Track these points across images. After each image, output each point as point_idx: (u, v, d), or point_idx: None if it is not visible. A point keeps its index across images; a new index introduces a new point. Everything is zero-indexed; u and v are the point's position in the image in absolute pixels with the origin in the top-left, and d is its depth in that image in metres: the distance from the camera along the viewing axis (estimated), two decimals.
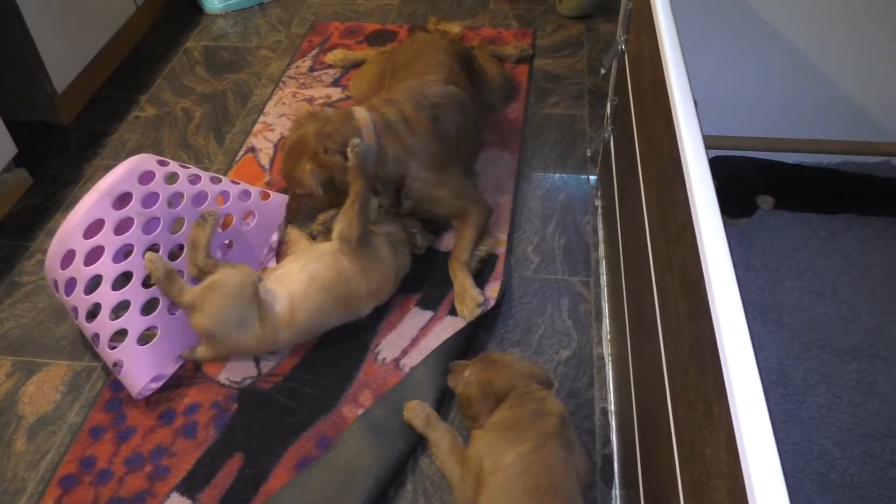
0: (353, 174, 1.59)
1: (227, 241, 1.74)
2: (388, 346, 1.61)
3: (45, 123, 2.30)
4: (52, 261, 1.51)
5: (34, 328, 1.71)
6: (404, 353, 1.60)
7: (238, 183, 1.78)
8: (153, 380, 1.54)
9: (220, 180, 1.73)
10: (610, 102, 1.74)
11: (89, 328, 1.50)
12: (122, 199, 1.54)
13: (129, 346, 1.50)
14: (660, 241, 1.11)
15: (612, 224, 1.68)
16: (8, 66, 2.14)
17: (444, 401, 1.50)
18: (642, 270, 1.22)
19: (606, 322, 1.61)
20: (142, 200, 1.55)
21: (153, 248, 1.55)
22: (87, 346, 1.65)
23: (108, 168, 1.93)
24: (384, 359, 1.59)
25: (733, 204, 1.73)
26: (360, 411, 1.49)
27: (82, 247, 1.49)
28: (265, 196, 1.81)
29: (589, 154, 1.98)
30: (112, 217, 1.51)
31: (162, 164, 1.63)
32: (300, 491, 1.37)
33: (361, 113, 1.68)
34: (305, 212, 1.75)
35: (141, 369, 1.50)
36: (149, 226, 1.56)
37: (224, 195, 1.71)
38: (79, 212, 1.50)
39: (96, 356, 1.62)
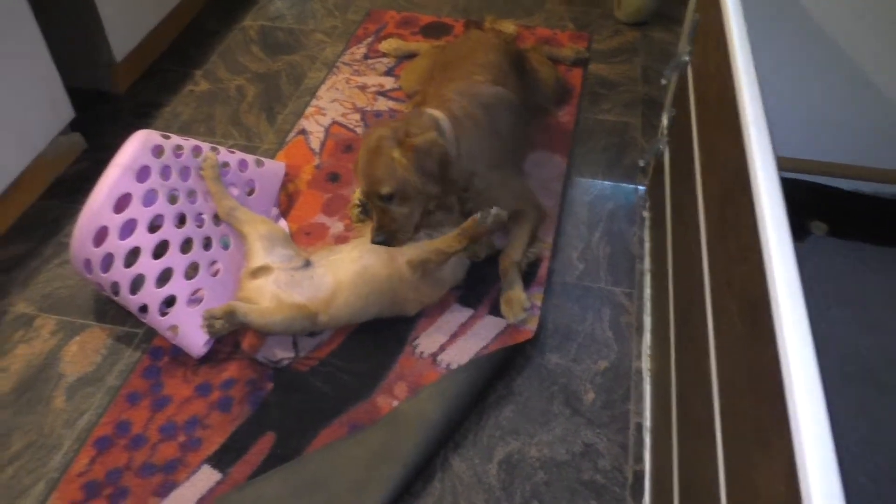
0: (471, 233, 1.52)
1: (247, 189, 1.80)
2: (427, 339, 1.61)
3: (102, 91, 2.33)
4: (84, 240, 1.51)
5: (79, 290, 1.74)
6: (442, 348, 1.60)
7: (234, 152, 1.80)
8: (208, 340, 1.58)
9: (219, 151, 1.76)
10: (667, 114, 1.72)
11: (134, 300, 1.52)
12: (142, 172, 1.56)
13: (180, 310, 1.53)
14: (718, 260, 1.10)
15: (660, 237, 1.66)
16: (71, 34, 2.17)
17: (475, 407, 1.50)
18: (694, 288, 1.21)
19: (647, 336, 1.60)
20: (159, 173, 1.58)
21: (180, 217, 1.60)
22: (129, 312, 1.67)
23: None
24: (422, 352, 1.59)
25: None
26: (395, 403, 1.49)
27: (114, 222, 1.51)
28: (260, 164, 1.85)
29: (641, 164, 1.95)
30: (138, 190, 1.54)
31: (165, 137, 1.66)
32: (328, 460, 1.39)
33: (432, 111, 1.66)
34: (396, 222, 1.58)
35: (197, 330, 1.52)
36: (171, 197, 1.59)
37: (224, 170, 1.74)
38: (104, 187, 1.51)
39: (138, 323, 1.64)
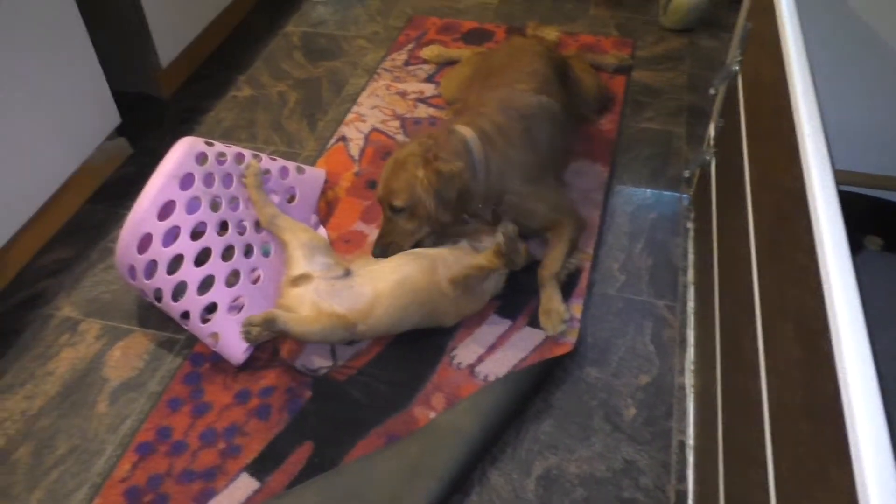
0: (500, 253, 1.53)
1: (287, 196, 1.81)
2: (465, 350, 1.60)
3: (147, 96, 2.37)
4: (128, 246, 1.53)
5: (123, 295, 1.77)
6: (480, 359, 1.58)
7: (275, 159, 1.81)
8: (248, 347, 1.58)
9: (261, 158, 1.76)
10: (714, 124, 1.68)
11: (176, 307, 1.53)
12: (186, 180, 1.58)
13: (221, 318, 1.54)
14: (770, 279, 1.06)
15: (705, 250, 1.62)
16: (119, 39, 2.21)
17: (513, 421, 1.48)
18: (743, 306, 1.17)
19: (691, 351, 1.56)
20: (202, 180, 1.60)
21: (222, 225, 1.61)
22: (171, 318, 1.69)
23: None
24: (459, 363, 1.58)
25: None
26: (432, 414, 1.48)
27: (158, 229, 1.52)
28: (301, 171, 1.86)
29: (686, 175, 1.91)
30: (182, 198, 1.55)
31: (208, 144, 1.67)
32: (364, 472, 1.38)
33: (464, 128, 1.66)
34: (399, 235, 1.63)
35: (237, 337, 1.53)
36: (213, 204, 1.61)
37: (265, 176, 1.75)
38: (149, 195, 1.53)
39: (179, 329, 1.66)
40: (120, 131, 2.11)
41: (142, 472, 1.42)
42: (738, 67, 1.53)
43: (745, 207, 1.29)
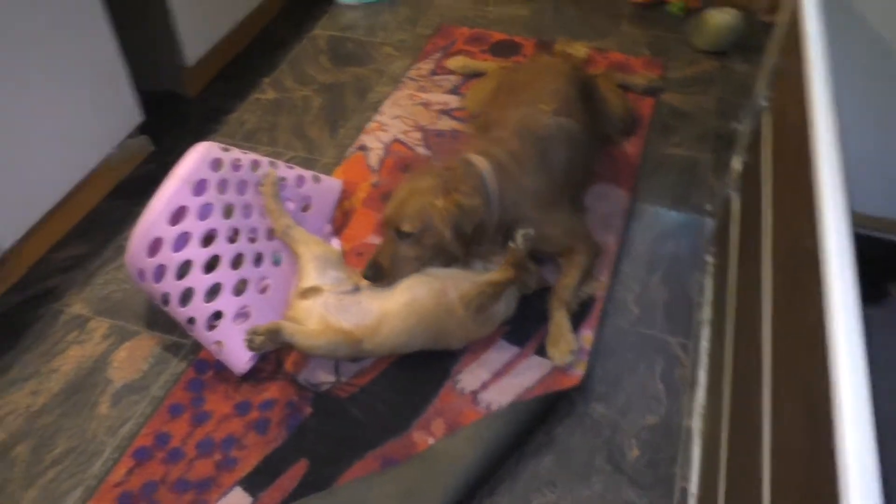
0: (512, 262, 1.53)
1: (302, 205, 1.80)
2: (469, 375, 1.58)
3: (172, 94, 2.37)
4: (138, 249, 1.53)
5: (133, 295, 1.77)
6: (484, 386, 1.56)
7: (293, 168, 1.80)
8: (252, 357, 1.58)
9: (278, 166, 1.75)
10: (739, 159, 1.64)
11: (183, 313, 1.53)
12: (199, 186, 1.57)
13: (226, 327, 1.54)
14: (780, 334, 1.03)
15: (722, 287, 1.58)
16: (145, 37, 2.21)
17: (513, 453, 1.45)
18: (753, 356, 1.14)
19: (701, 393, 1.52)
20: (216, 187, 1.59)
21: (233, 232, 1.60)
22: (178, 322, 1.69)
23: (226, 144, 1.98)
24: (462, 388, 1.55)
25: (862, 289, 1.59)
26: (431, 440, 1.46)
27: (169, 234, 1.52)
28: (317, 180, 1.85)
29: (708, 208, 1.87)
30: (194, 203, 1.55)
31: (225, 150, 1.66)
32: (359, 494, 1.37)
33: (479, 159, 1.63)
34: (400, 262, 1.57)
35: (241, 346, 1.53)
36: (226, 211, 1.60)
37: (281, 184, 1.74)
38: (161, 199, 1.52)
39: (185, 334, 1.66)
40: (142, 129, 2.12)
41: (137, 478, 1.42)
42: (765, 103, 1.49)
43: (761, 253, 1.25)
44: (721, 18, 2.51)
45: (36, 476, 1.43)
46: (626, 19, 2.74)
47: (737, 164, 1.66)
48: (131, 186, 2.06)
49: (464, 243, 1.57)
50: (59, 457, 1.46)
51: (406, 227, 1.55)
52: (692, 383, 1.56)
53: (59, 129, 1.80)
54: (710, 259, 1.80)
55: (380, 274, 1.56)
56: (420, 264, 1.59)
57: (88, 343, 1.67)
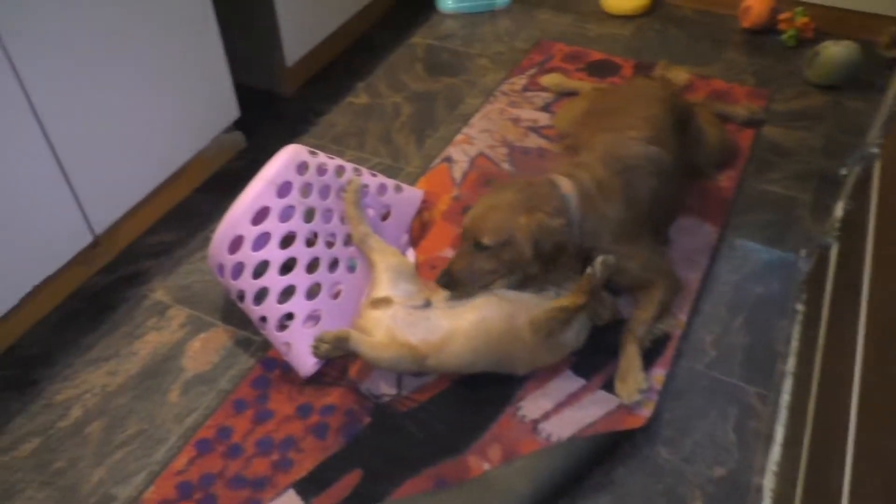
0: (587, 287, 1.50)
1: (382, 213, 1.81)
2: (531, 404, 1.54)
3: (269, 92, 2.44)
4: (220, 245, 1.57)
5: (212, 287, 1.82)
6: (546, 416, 1.52)
7: (376, 175, 1.81)
8: (318, 361, 1.59)
9: (362, 173, 1.76)
10: (842, 206, 1.53)
11: (256, 311, 1.56)
12: (284, 188, 1.59)
13: (296, 329, 1.56)
14: (869, 403, 0.95)
15: (810, 339, 1.48)
16: (248, 34, 2.29)
17: (568, 491, 1.40)
18: (836, 422, 1.06)
19: (777, 450, 1.43)
20: (300, 190, 1.60)
21: (312, 236, 1.62)
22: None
23: (314, 146, 2.02)
24: (524, 416, 1.52)
25: None
26: (486, 465, 1.43)
27: (250, 233, 1.55)
28: (399, 189, 1.84)
29: (803, 254, 1.76)
30: (277, 205, 1.57)
31: (312, 154, 1.68)
32: None
33: (564, 181, 1.60)
34: (475, 274, 1.55)
35: (308, 351, 1.55)
36: (307, 214, 1.62)
37: (363, 190, 1.75)
38: (246, 199, 1.56)
39: (257, 331, 1.69)
40: (237, 125, 2.18)
41: (196, 469, 1.45)
42: (877, 150, 1.39)
43: (858, 311, 1.16)
44: (837, 51, 2.37)
45: (105, 455, 1.49)
46: (734, 46, 2.63)
47: (839, 209, 1.56)
48: (222, 180, 2.13)
49: (542, 263, 1.53)
50: (129, 439, 1.52)
51: (485, 240, 1.52)
52: (767, 438, 1.47)
53: (160, 120, 1.87)
54: (800, 307, 1.70)
55: (452, 283, 1.55)
56: (494, 278, 1.57)
57: (166, 330, 1.73)
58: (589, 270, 1.50)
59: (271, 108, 2.40)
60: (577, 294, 1.51)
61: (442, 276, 1.56)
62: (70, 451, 1.50)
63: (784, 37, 2.62)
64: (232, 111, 2.12)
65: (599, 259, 1.51)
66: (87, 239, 1.76)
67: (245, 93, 2.18)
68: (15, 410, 1.57)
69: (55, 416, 1.56)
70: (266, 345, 1.68)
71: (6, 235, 1.56)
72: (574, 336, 1.59)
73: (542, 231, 1.51)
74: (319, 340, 1.48)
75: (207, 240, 1.94)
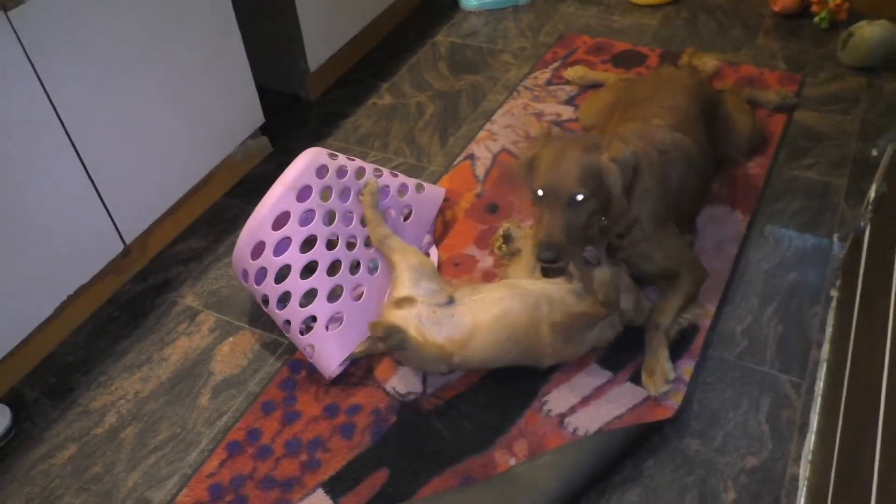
0: (603, 301, 1.51)
1: (404, 213, 1.81)
2: (557, 398, 1.52)
3: (293, 97, 2.46)
4: (243, 251, 1.60)
5: (239, 292, 1.85)
6: (572, 410, 1.50)
7: (397, 175, 1.81)
8: (341, 363, 1.60)
9: (382, 173, 1.76)
10: (875, 188, 1.48)
11: (280, 315, 1.58)
12: (303, 192, 1.61)
13: (319, 332, 1.57)
14: None
15: (845, 325, 1.44)
16: (271, 41, 2.32)
17: (596, 484, 1.38)
18: (868, 409, 1.02)
19: (811, 438, 1.39)
20: (320, 193, 1.62)
21: (333, 238, 1.63)
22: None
23: (338, 148, 2.04)
24: (549, 410, 1.50)
25: None
26: (512, 461, 1.42)
27: (271, 238, 1.57)
28: (420, 189, 1.84)
29: (836, 238, 1.71)
30: (297, 209, 1.59)
31: (332, 157, 1.69)
32: None
33: (619, 142, 1.51)
34: (574, 234, 1.41)
35: (332, 353, 1.57)
36: (327, 218, 1.63)
37: (384, 191, 1.75)
38: (266, 204, 1.58)
39: (283, 334, 1.71)
40: (263, 130, 2.21)
41: (227, 471, 1.47)
42: None
43: (889, 293, 1.12)
44: (872, 31, 2.29)
45: (140, 460, 1.52)
46: (764, 31, 2.57)
47: (872, 192, 1.51)
48: (249, 185, 2.16)
49: (626, 202, 1.46)
50: (161, 443, 1.55)
51: (580, 192, 1.40)
52: (802, 427, 1.43)
53: (188, 127, 1.91)
54: (834, 293, 1.64)
55: (559, 253, 1.42)
56: (590, 234, 1.48)
57: (196, 335, 1.76)
58: (600, 280, 1.50)
59: (296, 112, 2.42)
60: (594, 306, 1.50)
61: (543, 251, 1.42)
62: (106, 457, 1.53)
63: (816, 19, 2.55)
64: (257, 117, 2.15)
65: (597, 274, 1.50)
66: (119, 248, 1.81)
67: (270, 99, 2.20)
68: (53, 418, 1.61)
69: (91, 422, 1.60)
70: (292, 347, 1.69)
71: (41, 247, 1.61)
72: (598, 333, 1.57)
73: (623, 165, 1.44)
74: (373, 325, 1.48)
75: (233, 245, 1.95)
